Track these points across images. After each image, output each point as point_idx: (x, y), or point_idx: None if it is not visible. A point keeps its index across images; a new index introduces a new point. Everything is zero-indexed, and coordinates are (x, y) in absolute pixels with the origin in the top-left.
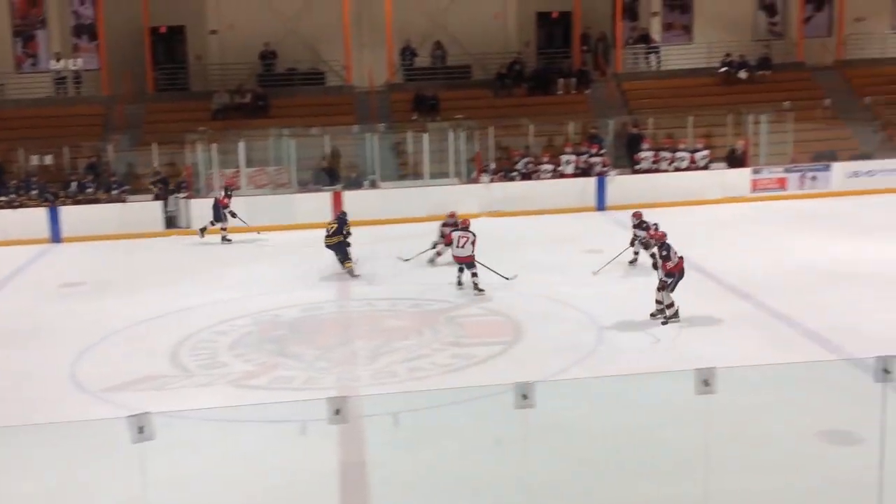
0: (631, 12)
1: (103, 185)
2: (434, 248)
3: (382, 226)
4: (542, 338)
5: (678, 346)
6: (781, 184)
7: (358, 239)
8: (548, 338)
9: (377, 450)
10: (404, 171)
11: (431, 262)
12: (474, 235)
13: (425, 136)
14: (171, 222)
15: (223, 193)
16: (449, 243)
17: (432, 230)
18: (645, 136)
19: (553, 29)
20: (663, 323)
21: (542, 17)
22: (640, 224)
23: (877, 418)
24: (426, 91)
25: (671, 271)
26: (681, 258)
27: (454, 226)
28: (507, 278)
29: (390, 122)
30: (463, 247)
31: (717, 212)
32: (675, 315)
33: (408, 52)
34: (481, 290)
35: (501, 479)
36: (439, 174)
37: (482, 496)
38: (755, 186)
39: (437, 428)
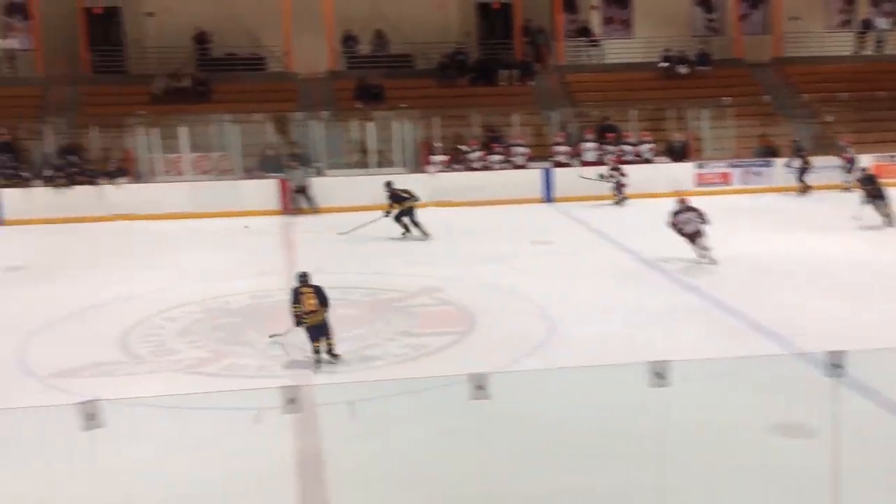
0: (570, 5)
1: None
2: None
3: (328, 214)
4: (493, 329)
5: (628, 337)
6: (725, 178)
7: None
8: (499, 329)
9: (332, 440)
10: (350, 159)
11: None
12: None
13: (370, 125)
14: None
15: None
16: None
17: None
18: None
19: (494, 20)
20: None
21: (483, 8)
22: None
23: (828, 413)
24: (369, 79)
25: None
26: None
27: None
28: None
29: (334, 110)
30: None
31: (664, 205)
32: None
33: (349, 40)
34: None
35: (457, 469)
36: (386, 163)
37: (437, 486)
38: (700, 181)
39: (393, 418)
